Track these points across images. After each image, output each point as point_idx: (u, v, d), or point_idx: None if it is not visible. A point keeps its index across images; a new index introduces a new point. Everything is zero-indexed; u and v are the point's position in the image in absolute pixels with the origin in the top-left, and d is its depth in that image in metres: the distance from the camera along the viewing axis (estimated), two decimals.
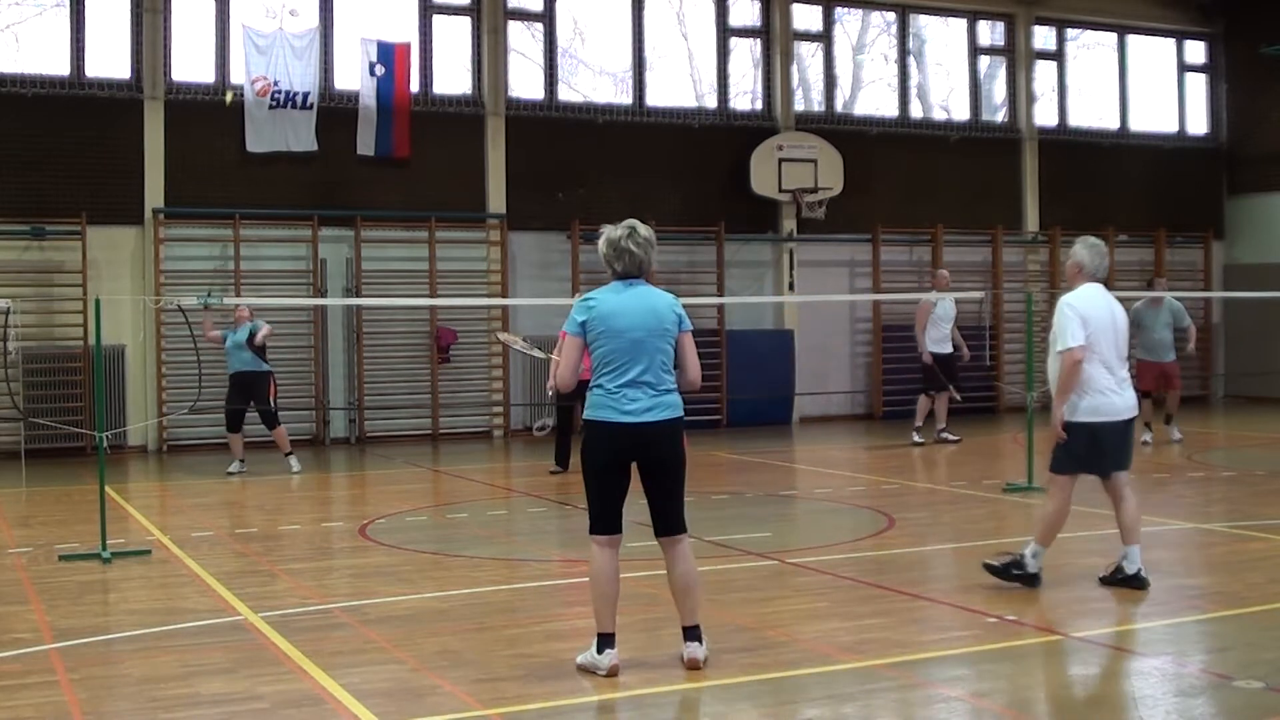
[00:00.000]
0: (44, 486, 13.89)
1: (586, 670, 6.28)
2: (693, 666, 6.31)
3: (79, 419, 16.59)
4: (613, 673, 6.20)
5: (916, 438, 16.60)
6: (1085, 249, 8.06)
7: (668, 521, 6.39)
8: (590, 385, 6.39)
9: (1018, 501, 11.69)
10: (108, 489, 10.17)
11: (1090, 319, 7.76)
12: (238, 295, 17.48)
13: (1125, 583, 7.85)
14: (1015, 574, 7.83)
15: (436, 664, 6.44)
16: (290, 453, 14.92)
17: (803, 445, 18.03)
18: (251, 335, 14.58)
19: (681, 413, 6.39)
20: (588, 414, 6.37)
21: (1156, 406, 16.61)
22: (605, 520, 6.34)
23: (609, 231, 6.45)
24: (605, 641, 6.27)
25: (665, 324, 6.34)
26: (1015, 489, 12.16)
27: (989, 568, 7.94)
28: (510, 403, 19.00)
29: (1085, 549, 9.48)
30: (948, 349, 16.71)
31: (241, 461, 14.80)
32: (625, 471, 6.34)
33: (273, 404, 14.87)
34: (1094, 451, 7.81)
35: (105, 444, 9.83)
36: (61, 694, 6.04)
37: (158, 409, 17.19)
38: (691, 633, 6.36)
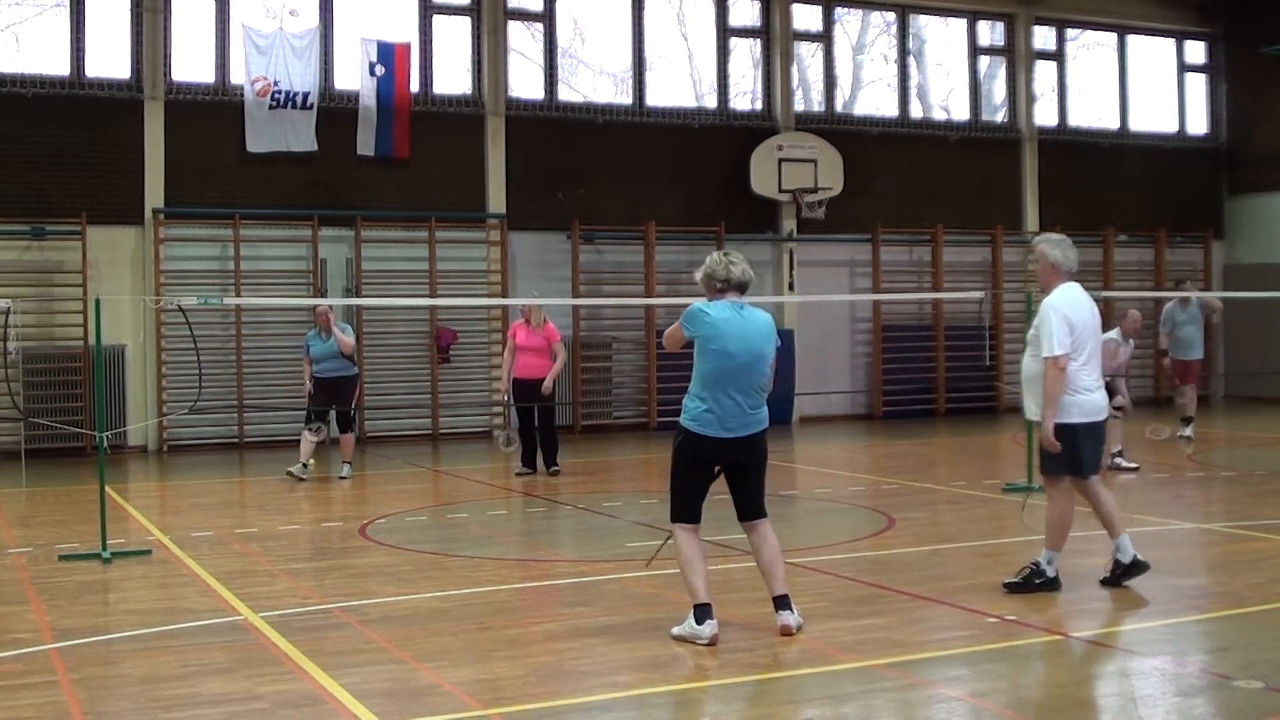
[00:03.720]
0: (44, 486, 13.89)
1: (685, 640, 6.65)
2: (785, 633, 6.80)
3: (79, 419, 16.60)
4: (713, 641, 6.59)
5: (1124, 462, 13.78)
6: (1052, 246, 7.89)
7: (752, 508, 6.98)
8: (690, 393, 6.88)
9: (1017, 501, 11.68)
10: (108, 489, 10.16)
11: (1075, 322, 7.65)
12: (238, 295, 17.50)
13: (1128, 572, 7.83)
14: (1038, 583, 7.71)
15: (436, 664, 6.44)
16: (349, 461, 14.24)
17: (803, 445, 18.02)
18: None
19: (766, 424, 6.94)
20: (690, 425, 6.83)
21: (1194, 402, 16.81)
22: (689, 511, 6.89)
23: (708, 258, 7.01)
24: (704, 612, 6.66)
25: (767, 349, 6.90)
26: (1015, 489, 12.15)
27: (1011, 586, 7.79)
28: (503, 403, 18.98)
29: (1085, 549, 9.48)
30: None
31: (306, 465, 14.07)
32: (712, 472, 6.92)
33: (354, 406, 14.46)
34: (1078, 451, 7.77)
35: (105, 444, 9.83)
36: (61, 694, 6.04)
37: (158, 409, 17.19)
38: (782, 601, 6.88)
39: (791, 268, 20.88)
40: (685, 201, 20.18)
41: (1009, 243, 22.36)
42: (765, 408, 6.91)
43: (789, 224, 20.89)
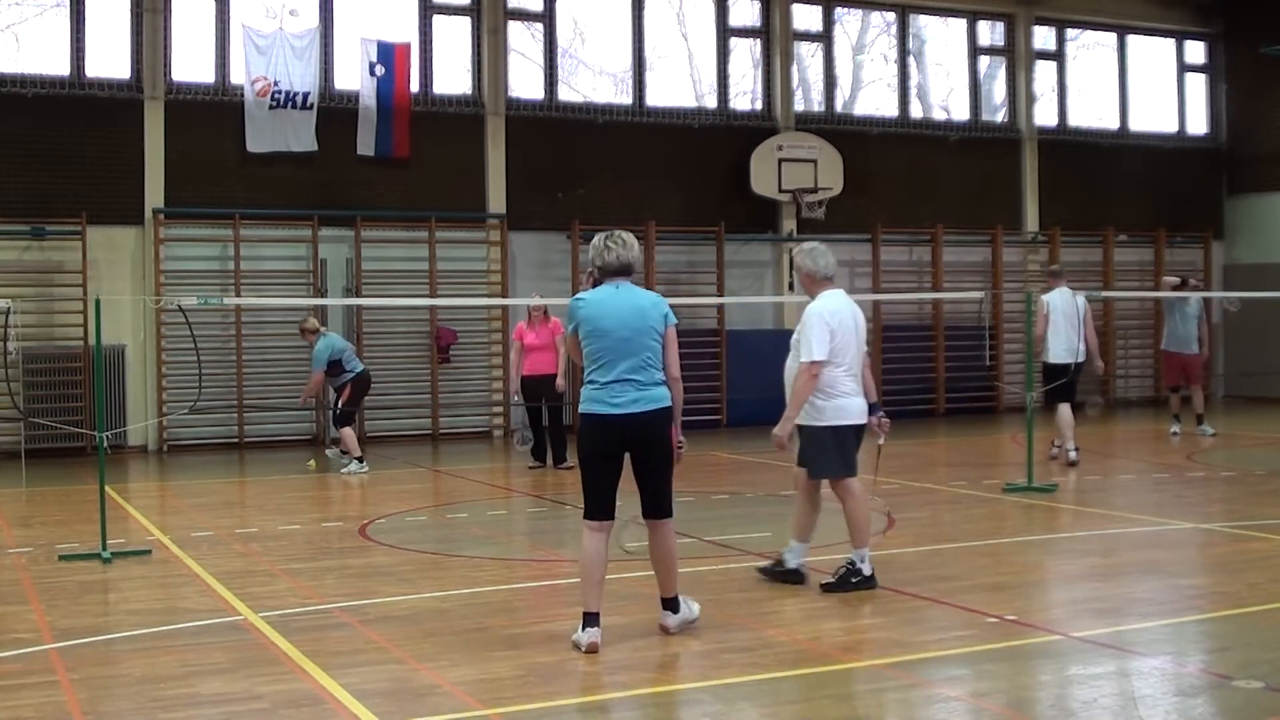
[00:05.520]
0: (44, 486, 13.88)
1: (576, 647, 6.61)
2: (663, 630, 6.90)
3: (79, 419, 16.59)
4: (591, 649, 6.52)
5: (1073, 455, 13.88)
6: (805, 256, 8.08)
7: (654, 505, 6.88)
8: (584, 381, 6.86)
9: (1017, 501, 11.69)
10: (108, 489, 10.16)
11: (837, 329, 7.83)
12: (238, 295, 17.50)
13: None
14: (854, 582, 7.77)
15: (436, 664, 6.44)
16: (323, 456, 14.84)
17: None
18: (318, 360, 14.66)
19: (666, 404, 6.80)
20: (581, 408, 6.82)
21: (1184, 403, 16.83)
22: (596, 506, 6.76)
23: (591, 244, 6.98)
24: (589, 620, 6.63)
25: (650, 322, 6.78)
26: (1015, 489, 12.16)
27: (827, 586, 7.83)
28: (510, 403, 18.99)
29: (1084, 549, 9.49)
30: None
31: (360, 460, 14.63)
32: (616, 460, 6.78)
33: (338, 405, 14.86)
34: (842, 452, 7.95)
35: (105, 444, 9.82)
36: (61, 694, 6.03)
37: (158, 409, 17.19)
38: (669, 604, 6.93)
39: (791, 268, 20.87)
40: (685, 201, 20.17)
41: (1009, 243, 22.37)
42: (663, 387, 6.77)
43: (789, 224, 20.88)
